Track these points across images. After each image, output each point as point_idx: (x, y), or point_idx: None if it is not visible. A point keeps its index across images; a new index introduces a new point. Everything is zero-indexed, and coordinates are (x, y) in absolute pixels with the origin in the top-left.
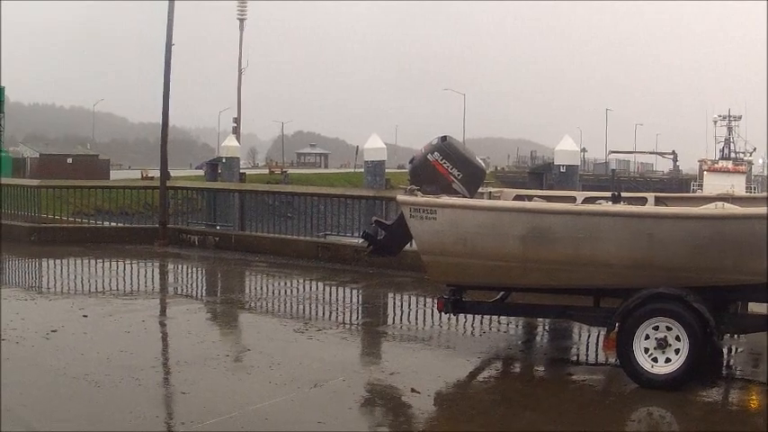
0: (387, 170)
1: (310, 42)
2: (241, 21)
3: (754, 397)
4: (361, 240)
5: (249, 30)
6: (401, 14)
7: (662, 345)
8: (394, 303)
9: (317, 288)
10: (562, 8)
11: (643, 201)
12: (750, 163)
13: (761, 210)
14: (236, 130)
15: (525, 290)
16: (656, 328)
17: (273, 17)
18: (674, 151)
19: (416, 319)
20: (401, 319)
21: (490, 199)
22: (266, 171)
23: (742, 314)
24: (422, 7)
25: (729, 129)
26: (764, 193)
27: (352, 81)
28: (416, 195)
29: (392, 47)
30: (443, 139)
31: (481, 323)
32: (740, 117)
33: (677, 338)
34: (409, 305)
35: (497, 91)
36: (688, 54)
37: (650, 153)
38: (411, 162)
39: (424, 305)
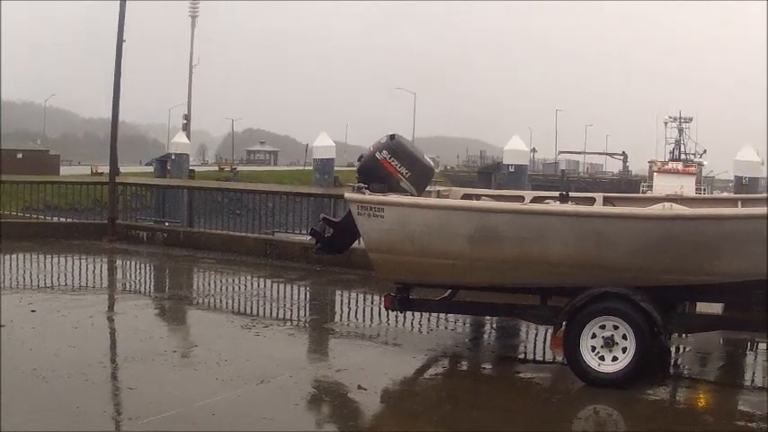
0: (336, 168)
1: (262, 40)
2: (193, 18)
3: (701, 396)
4: (308, 238)
5: (202, 27)
6: (358, 16)
7: (609, 343)
8: (341, 300)
9: (264, 285)
10: (513, 7)
11: (591, 201)
12: (700, 164)
13: (708, 210)
14: (186, 127)
15: (472, 288)
16: (603, 327)
17: (227, 15)
18: (623, 152)
19: (364, 316)
20: (348, 317)
21: (438, 198)
22: (216, 168)
23: (690, 314)
24: (378, 7)
25: (680, 130)
26: (713, 194)
27: (303, 79)
28: (364, 193)
29: (346, 47)
30: (392, 137)
31: (429, 320)
32: (691, 119)
33: (624, 337)
34: (357, 302)
35: (448, 90)
36: (640, 55)
37: (600, 154)
38: (359, 160)
39: (372, 302)
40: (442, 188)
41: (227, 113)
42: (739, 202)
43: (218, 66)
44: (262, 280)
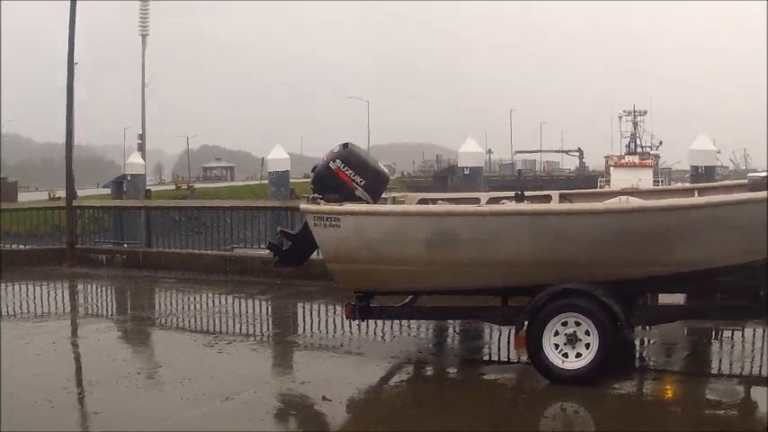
0: (292, 180)
1: (213, 56)
2: (143, 36)
3: (668, 387)
4: (267, 252)
5: (154, 46)
6: (304, 27)
7: (572, 340)
8: (303, 313)
9: (225, 301)
10: (462, 8)
11: (547, 199)
12: (657, 157)
13: (664, 202)
14: (141, 147)
15: (433, 293)
16: (565, 324)
17: (178, 32)
18: (579, 148)
19: (326, 327)
20: (311, 328)
21: (394, 204)
22: (173, 186)
23: (652, 306)
24: (324, 18)
25: (635, 124)
26: (670, 186)
27: (257, 93)
28: (319, 204)
29: (295, 59)
30: (345, 146)
31: (392, 328)
32: (645, 112)
33: (587, 333)
34: (318, 314)
35: (401, 96)
36: (592, 51)
37: (556, 152)
38: (314, 170)
39: (333, 313)
40: (397, 194)
41: (182, 131)
42: (696, 192)
43: (172, 83)
44: (223, 296)
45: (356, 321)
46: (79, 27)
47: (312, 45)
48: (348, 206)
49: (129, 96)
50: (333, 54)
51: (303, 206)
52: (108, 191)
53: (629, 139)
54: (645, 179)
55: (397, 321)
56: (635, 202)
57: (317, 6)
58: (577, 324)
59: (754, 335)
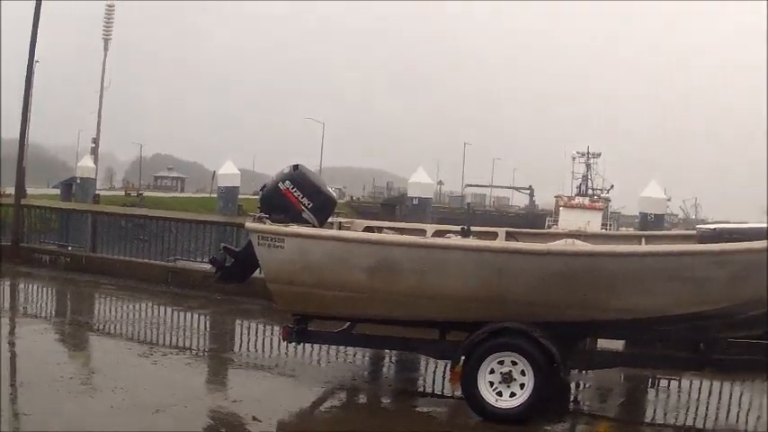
0: (242, 196)
1: (175, 65)
2: (106, 41)
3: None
4: (209, 266)
5: (116, 50)
6: (269, 44)
7: (507, 379)
8: (241, 330)
9: (164, 312)
10: (416, 40)
11: (493, 235)
12: (607, 200)
13: (608, 247)
14: (94, 151)
15: (372, 321)
16: (502, 363)
17: (143, 38)
18: (530, 186)
19: (263, 346)
20: (248, 347)
21: (340, 229)
22: (123, 193)
23: (590, 350)
24: (292, 33)
25: (587, 165)
26: (619, 231)
27: (216, 106)
28: (265, 223)
29: (256, 75)
30: (295, 167)
31: (328, 353)
32: (599, 154)
33: (522, 373)
34: (256, 332)
35: (357, 121)
36: (547, 90)
37: (507, 187)
38: (262, 189)
39: (271, 333)
40: (344, 220)
41: (137, 138)
42: (643, 239)
43: (130, 90)
44: (162, 307)
45: (293, 343)
46: (44, 25)
47: (277, 64)
48: (293, 228)
49: (87, 98)
50: (298, 75)
51: (248, 224)
52: (58, 191)
53: (580, 181)
54: (594, 222)
55: (333, 346)
56: (580, 245)
57: (285, 24)
58: (514, 363)
59: (690, 386)
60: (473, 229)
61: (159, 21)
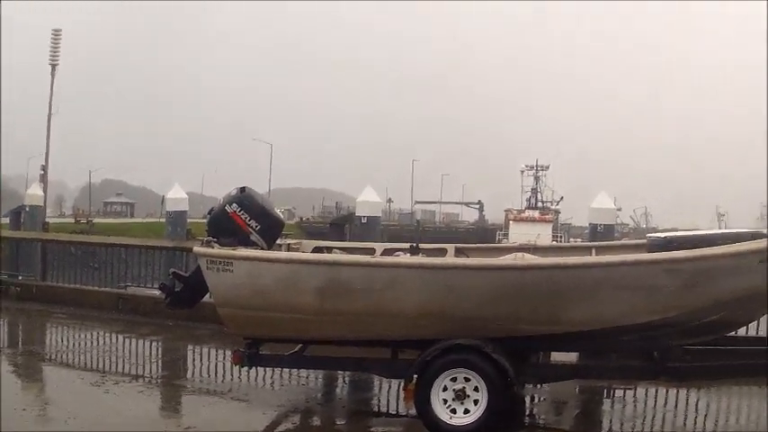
0: (192, 220)
1: (122, 90)
2: (53, 66)
3: None
4: (159, 292)
5: (63, 76)
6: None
7: (460, 396)
8: (193, 356)
9: (115, 340)
10: (365, 55)
11: (443, 252)
12: (557, 212)
13: (558, 260)
14: (43, 178)
15: (324, 342)
16: (455, 380)
17: (89, 63)
18: (479, 201)
19: (215, 371)
20: (200, 372)
21: (288, 251)
22: (72, 220)
23: (544, 363)
24: (239, 54)
25: (536, 178)
26: (570, 243)
27: (163, 129)
28: (213, 247)
29: (203, 95)
30: (242, 190)
31: (281, 375)
32: (548, 167)
33: (476, 389)
34: (208, 358)
35: (305, 140)
36: (495, 105)
37: (456, 203)
38: (210, 213)
39: (223, 357)
40: (292, 241)
41: (87, 164)
42: (593, 250)
43: (79, 115)
44: (113, 335)
45: (246, 368)
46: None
47: (223, 84)
48: (242, 251)
49: (37, 125)
50: (243, 92)
51: (196, 249)
52: (7, 220)
53: (529, 194)
54: (544, 234)
55: (286, 369)
56: (529, 259)
57: (234, 45)
58: (467, 380)
59: (646, 394)
60: (422, 246)
61: (112, 46)
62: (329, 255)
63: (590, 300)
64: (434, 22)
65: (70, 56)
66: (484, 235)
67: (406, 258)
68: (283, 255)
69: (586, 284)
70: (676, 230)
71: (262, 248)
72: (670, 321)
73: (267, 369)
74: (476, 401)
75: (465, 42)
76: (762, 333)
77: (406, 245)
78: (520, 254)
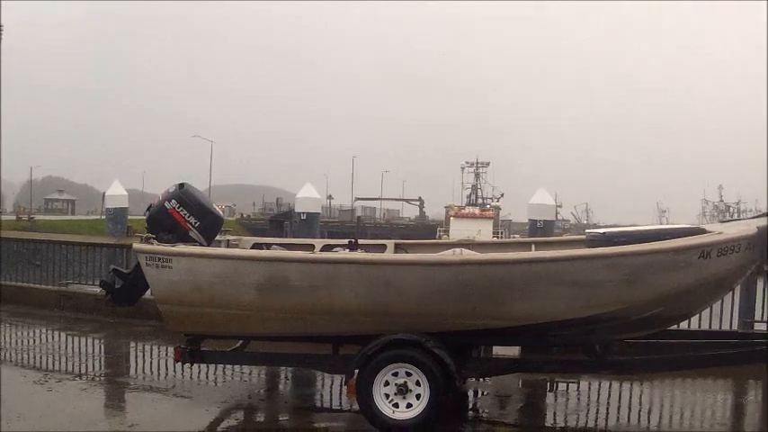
0: (134, 217)
1: (65, 85)
2: None
3: None
4: (99, 289)
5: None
6: (162, 64)
7: (402, 390)
8: (135, 353)
9: (58, 338)
10: (306, 57)
11: (382, 248)
12: (497, 208)
13: (496, 255)
14: None
15: (264, 338)
16: (396, 374)
17: (29, 58)
18: (420, 197)
19: (158, 368)
20: (142, 369)
21: (228, 247)
22: (14, 217)
23: (485, 358)
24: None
25: (477, 175)
26: (510, 238)
27: (103, 126)
28: (152, 244)
29: (144, 92)
30: (181, 186)
31: (224, 372)
32: (488, 164)
33: (417, 384)
34: (150, 355)
35: (244, 138)
36: (433, 102)
37: (396, 199)
38: (149, 210)
39: (166, 354)
40: (232, 237)
41: (29, 161)
42: (533, 246)
43: (21, 111)
44: (56, 333)
45: (188, 364)
46: None
47: (167, 81)
48: (181, 248)
49: None
50: (186, 91)
51: (136, 246)
52: None
53: (470, 190)
54: (485, 230)
55: (228, 365)
56: (467, 254)
57: (178, 45)
58: (408, 374)
59: (589, 388)
60: (361, 242)
61: (57, 43)
62: (268, 251)
63: (529, 295)
64: (373, 20)
65: (13, 53)
66: (424, 231)
67: (344, 254)
68: (222, 251)
69: (525, 280)
70: (617, 226)
71: (201, 245)
72: (611, 316)
73: (210, 366)
74: (418, 396)
75: (408, 36)
76: (704, 327)
77: (345, 241)
78: (458, 249)
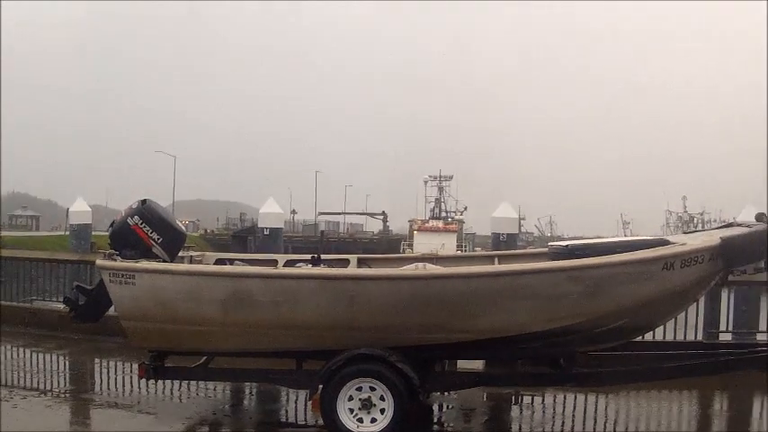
0: (99, 233)
1: (27, 97)
2: None
3: None
4: (63, 306)
5: None
6: (125, 76)
7: (366, 405)
8: (100, 369)
9: (23, 355)
10: (263, 72)
11: (345, 263)
12: (461, 222)
13: (459, 269)
14: None
15: (228, 354)
16: (360, 389)
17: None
18: (383, 212)
19: (122, 384)
20: (107, 386)
21: (191, 263)
22: None
23: (449, 372)
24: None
25: (440, 189)
26: (473, 252)
27: (67, 142)
28: (115, 260)
29: (106, 107)
30: (143, 202)
31: (188, 388)
32: (451, 177)
33: (382, 398)
34: (115, 371)
35: (208, 154)
36: (398, 115)
37: (360, 214)
38: (111, 226)
39: (130, 370)
40: (195, 253)
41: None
42: (496, 259)
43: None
44: (20, 349)
45: (154, 380)
46: None
47: (131, 98)
48: (144, 264)
49: None
50: (148, 107)
51: (99, 262)
52: None
53: (433, 204)
54: (448, 244)
55: (193, 381)
56: (431, 269)
57: (137, 58)
58: (372, 389)
59: (554, 401)
60: (324, 257)
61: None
62: (231, 267)
63: (493, 308)
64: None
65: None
66: (388, 245)
67: (307, 269)
68: (185, 267)
69: (488, 293)
70: (581, 239)
71: (164, 261)
72: (574, 328)
73: (175, 382)
74: (382, 410)
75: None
76: (669, 338)
77: (309, 256)
78: (421, 264)
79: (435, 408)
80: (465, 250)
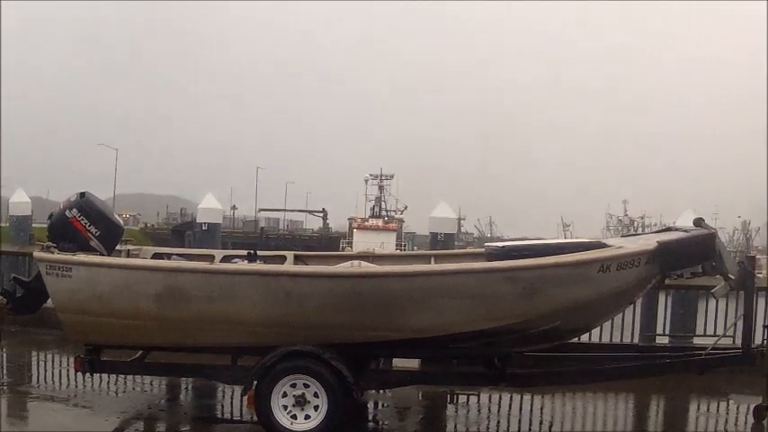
0: (38, 225)
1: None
2: None
3: None
4: (0, 297)
5: None
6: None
7: (300, 402)
8: (37, 362)
9: None
10: (205, 69)
11: (282, 259)
12: (401, 221)
13: (394, 268)
14: None
15: (164, 349)
16: (294, 386)
17: None
18: (323, 209)
19: (59, 378)
20: (44, 379)
21: (128, 257)
22: None
23: (384, 369)
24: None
25: (381, 187)
26: (412, 251)
27: (9, 130)
28: (53, 252)
29: (52, 99)
30: (82, 195)
31: (125, 382)
32: (392, 176)
33: (316, 395)
34: (52, 364)
35: (150, 147)
36: (340, 115)
37: (300, 211)
38: (50, 218)
39: (67, 364)
40: (132, 247)
41: None
42: (432, 259)
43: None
44: None
45: (90, 374)
46: None
47: (71, 89)
48: (81, 257)
49: None
50: (89, 100)
51: (36, 254)
52: None
53: (373, 202)
54: (388, 243)
55: (130, 376)
56: (365, 267)
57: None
58: (306, 386)
59: (489, 400)
60: (261, 253)
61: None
62: (166, 261)
63: (428, 307)
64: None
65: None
66: (328, 243)
67: (243, 265)
68: (121, 261)
69: (423, 292)
70: (522, 240)
71: (101, 254)
72: (510, 328)
73: (111, 376)
74: (316, 407)
75: (317, 43)
76: (605, 340)
77: (245, 252)
78: (357, 262)
79: (371, 405)
80: (404, 249)
